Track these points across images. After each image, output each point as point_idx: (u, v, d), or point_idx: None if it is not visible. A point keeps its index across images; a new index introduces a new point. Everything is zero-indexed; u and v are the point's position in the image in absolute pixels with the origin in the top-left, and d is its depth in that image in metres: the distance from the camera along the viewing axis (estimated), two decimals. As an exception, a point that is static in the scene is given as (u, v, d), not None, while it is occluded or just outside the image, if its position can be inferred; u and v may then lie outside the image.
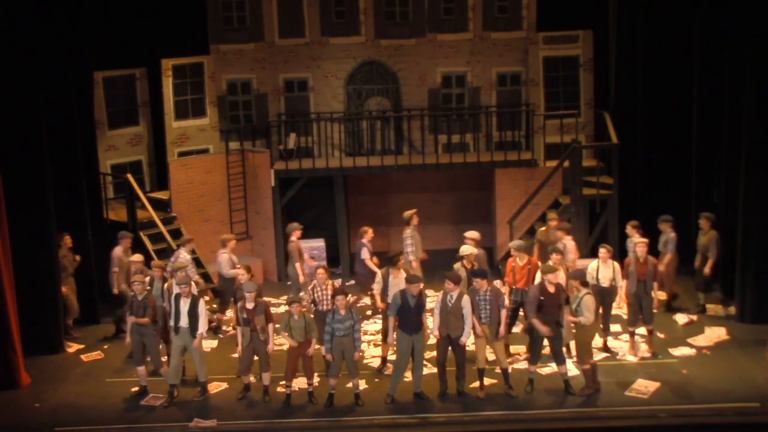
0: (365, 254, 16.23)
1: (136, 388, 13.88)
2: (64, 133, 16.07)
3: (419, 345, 13.27)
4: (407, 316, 13.17)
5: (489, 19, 20.09)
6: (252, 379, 13.71)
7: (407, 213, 16.60)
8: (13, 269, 14.54)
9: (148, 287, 14.13)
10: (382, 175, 20.04)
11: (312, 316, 13.69)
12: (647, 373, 13.96)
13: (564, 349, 14.56)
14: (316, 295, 14.38)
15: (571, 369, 13.80)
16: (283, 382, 13.56)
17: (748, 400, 12.94)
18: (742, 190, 15.61)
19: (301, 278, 16.23)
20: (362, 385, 13.64)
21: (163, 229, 17.70)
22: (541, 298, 13.17)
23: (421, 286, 13.34)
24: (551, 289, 13.18)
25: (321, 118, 20.04)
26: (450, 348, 13.29)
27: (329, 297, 14.16)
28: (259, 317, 13.28)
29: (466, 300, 13.14)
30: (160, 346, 14.01)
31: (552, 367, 13.93)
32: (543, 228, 16.36)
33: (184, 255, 16.04)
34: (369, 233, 16.49)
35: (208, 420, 12.97)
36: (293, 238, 16.58)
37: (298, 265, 16.41)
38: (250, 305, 13.33)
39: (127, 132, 19.73)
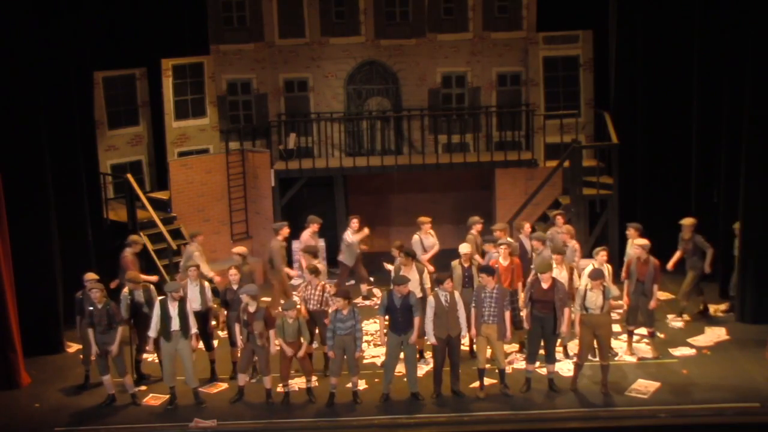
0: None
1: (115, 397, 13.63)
2: (64, 133, 16.05)
3: (408, 345, 13.27)
4: (394, 316, 13.21)
5: (489, 19, 20.08)
6: (247, 379, 13.69)
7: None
8: (13, 269, 14.55)
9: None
10: (382, 175, 20.01)
11: (307, 319, 13.70)
12: (647, 373, 13.96)
13: (561, 350, 14.62)
14: (305, 293, 14.33)
15: (561, 369, 13.92)
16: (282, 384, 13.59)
17: (748, 400, 12.94)
18: (742, 189, 15.60)
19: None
20: (362, 385, 13.65)
21: (163, 229, 17.68)
22: (532, 292, 13.31)
23: (408, 287, 13.36)
24: (545, 285, 13.25)
25: (321, 118, 20.03)
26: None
27: (318, 296, 14.13)
28: (258, 322, 13.22)
29: (457, 296, 13.29)
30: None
31: (551, 368, 13.97)
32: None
33: (194, 251, 15.97)
34: (527, 228, 15.92)
35: (208, 420, 12.97)
36: (473, 231, 16.07)
37: (477, 257, 15.70)
38: (252, 308, 13.27)
39: (127, 132, 19.72)
